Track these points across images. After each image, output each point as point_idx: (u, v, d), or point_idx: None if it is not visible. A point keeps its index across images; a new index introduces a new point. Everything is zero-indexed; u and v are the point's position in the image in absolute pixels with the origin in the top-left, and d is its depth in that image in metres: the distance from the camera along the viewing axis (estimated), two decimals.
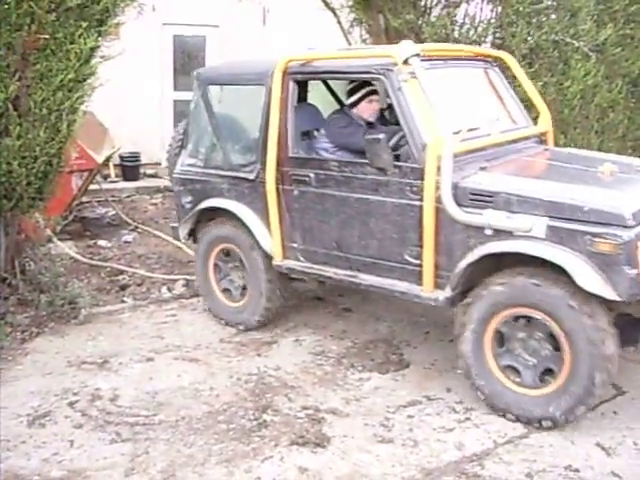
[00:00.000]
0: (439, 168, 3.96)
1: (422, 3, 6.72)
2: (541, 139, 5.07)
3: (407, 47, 4.21)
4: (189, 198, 5.46)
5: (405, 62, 4.17)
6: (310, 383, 4.41)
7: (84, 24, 4.78)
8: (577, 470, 3.47)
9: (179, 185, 5.54)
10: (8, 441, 3.72)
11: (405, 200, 4.22)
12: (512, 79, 5.41)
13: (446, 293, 4.13)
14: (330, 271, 4.71)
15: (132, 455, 3.59)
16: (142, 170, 10.84)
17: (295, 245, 4.89)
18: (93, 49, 4.93)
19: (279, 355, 4.84)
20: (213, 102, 5.27)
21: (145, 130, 10.69)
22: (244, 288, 5.29)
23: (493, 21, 6.73)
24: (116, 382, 4.42)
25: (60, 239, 6.80)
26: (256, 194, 4.97)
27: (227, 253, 5.37)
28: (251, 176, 4.98)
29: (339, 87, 5.68)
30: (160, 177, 10.74)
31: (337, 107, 5.48)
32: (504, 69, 5.38)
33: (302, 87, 5.41)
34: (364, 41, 7.51)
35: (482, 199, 3.93)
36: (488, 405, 4.00)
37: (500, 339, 3.97)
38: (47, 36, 4.64)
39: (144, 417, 3.98)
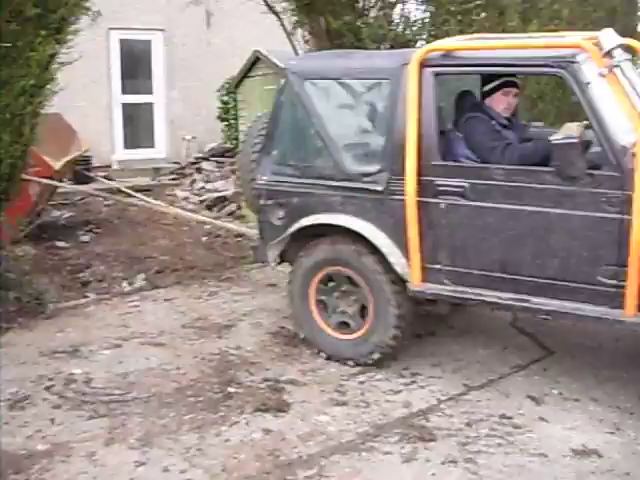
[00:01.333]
0: None
1: (360, 5, 7.14)
2: None
3: (611, 37, 3.72)
4: (281, 214, 4.72)
5: (607, 54, 3.70)
6: (269, 359, 4.77)
7: (43, 32, 5.07)
8: (510, 417, 3.93)
9: (266, 199, 4.80)
10: None
11: (599, 213, 3.72)
12: None
13: None
14: (492, 295, 4.10)
15: (110, 428, 3.91)
16: (93, 173, 11.03)
17: (439, 267, 4.25)
18: (52, 56, 5.22)
19: (239, 336, 5.19)
20: (315, 100, 4.57)
21: (95, 133, 10.88)
22: (361, 316, 4.60)
23: (427, 20, 7.20)
24: (88, 367, 4.71)
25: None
26: (384, 208, 4.32)
27: (328, 279, 4.69)
28: (378, 187, 4.31)
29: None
30: (112, 179, 10.95)
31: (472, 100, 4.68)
32: None
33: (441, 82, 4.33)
34: (307, 42, 7.89)
35: None
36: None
37: None
38: (9, 44, 4.90)
39: (118, 395, 4.29)
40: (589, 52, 3.74)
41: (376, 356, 4.50)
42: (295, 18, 7.71)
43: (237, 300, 5.87)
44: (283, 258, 4.93)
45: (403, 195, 4.19)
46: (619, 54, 3.68)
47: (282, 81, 4.80)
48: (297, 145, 4.73)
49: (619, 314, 3.73)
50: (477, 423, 3.88)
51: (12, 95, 5.04)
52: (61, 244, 7.86)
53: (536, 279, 3.96)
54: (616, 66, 3.66)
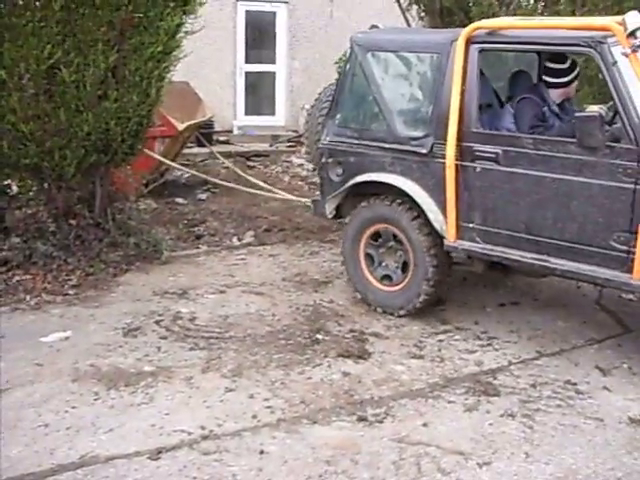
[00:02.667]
0: None
1: None
2: None
3: (635, 18, 3.94)
4: (339, 171, 5.20)
5: (631, 34, 3.93)
6: (358, 313, 5.15)
7: (171, 4, 5.57)
8: (575, 384, 4.14)
9: (328, 157, 5.26)
10: (108, 345, 4.59)
11: (616, 183, 4.02)
12: None
13: None
14: (515, 254, 4.48)
15: (207, 359, 4.41)
16: (215, 137, 11.65)
17: (472, 226, 4.63)
18: (178, 25, 5.72)
19: (334, 292, 5.59)
20: (375, 70, 5.01)
21: (218, 100, 11.48)
22: (403, 271, 5.02)
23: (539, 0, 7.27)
24: (194, 307, 5.24)
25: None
26: (427, 169, 4.73)
27: (377, 235, 5.12)
28: (423, 150, 4.72)
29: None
30: (232, 144, 11.56)
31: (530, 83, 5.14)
32: None
33: (486, 57, 4.78)
34: (421, 19, 8.12)
35: None
36: None
37: None
38: (141, 15, 5.42)
39: (217, 333, 4.79)
40: (616, 33, 3.98)
41: (411, 307, 4.97)
42: None
43: (336, 260, 6.25)
44: (339, 213, 5.42)
45: (444, 158, 4.59)
46: None
47: (348, 52, 5.24)
48: (358, 110, 5.20)
49: (627, 277, 4.05)
50: (541, 385, 4.12)
51: (142, 60, 5.56)
52: (180, 200, 8.50)
53: (556, 241, 4.32)
54: (638, 47, 3.90)
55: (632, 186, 3.97)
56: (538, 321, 5.04)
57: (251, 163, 10.77)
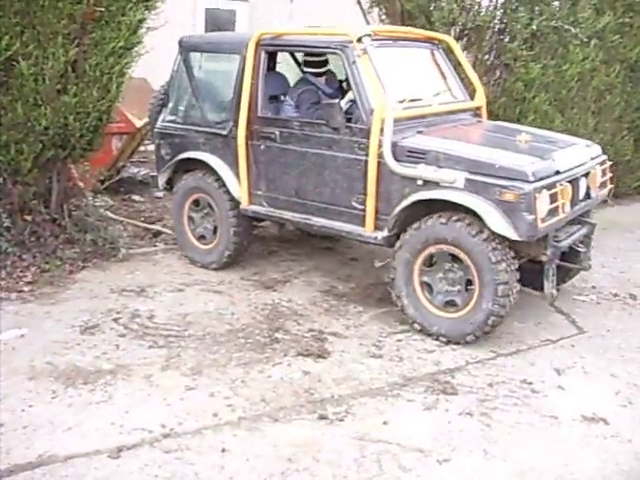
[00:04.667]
0: (382, 130, 4.74)
1: None
2: (476, 113, 5.84)
3: (360, 28, 4.99)
4: (168, 150, 6.18)
5: (359, 40, 4.90)
6: (317, 313, 5.18)
7: None
8: (530, 383, 4.23)
9: (159, 139, 6.26)
10: (66, 342, 4.53)
11: (353, 155, 4.98)
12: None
13: (384, 233, 4.92)
14: (288, 214, 5.50)
15: (167, 357, 4.39)
16: None
17: (260, 192, 5.63)
18: (140, 21, 5.67)
19: (292, 291, 5.61)
20: (194, 67, 5.96)
21: None
22: (214, 232, 5.98)
23: (498, 7, 7.38)
24: (152, 305, 5.21)
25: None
26: (228, 148, 5.68)
27: (197, 203, 6.08)
28: (224, 132, 5.69)
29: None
30: None
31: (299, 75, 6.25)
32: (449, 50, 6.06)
33: (272, 57, 6.18)
34: (382, 21, 8.18)
35: (416, 156, 4.73)
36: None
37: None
38: (102, 9, 5.35)
39: (176, 331, 4.77)
40: (352, 39, 4.95)
41: (222, 262, 6.03)
42: None
43: (294, 260, 6.28)
44: (170, 186, 6.38)
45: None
46: (367, 41, 4.91)
47: (178, 52, 6.13)
48: (182, 100, 6.15)
49: (362, 230, 5.05)
50: (498, 384, 4.20)
51: (102, 55, 5.50)
52: (137, 198, 8.41)
53: (316, 203, 5.32)
54: (364, 50, 4.88)
55: (364, 158, 4.89)
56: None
57: None
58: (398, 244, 4.83)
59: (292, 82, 6.17)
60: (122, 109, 7.44)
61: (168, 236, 7.00)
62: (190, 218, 6.17)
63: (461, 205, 4.51)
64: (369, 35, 4.97)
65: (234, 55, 5.63)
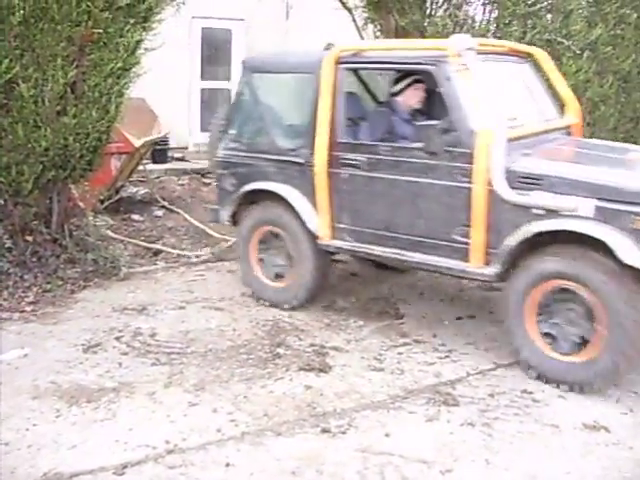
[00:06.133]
0: (489, 153, 4.26)
1: (427, 4, 7.47)
2: (568, 130, 5.36)
3: (462, 40, 4.47)
4: (232, 181, 5.61)
5: (458, 54, 4.45)
6: (318, 328, 5.21)
7: (132, 20, 5.60)
8: (531, 393, 4.25)
9: (222, 168, 5.71)
10: (68, 361, 4.56)
11: (454, 182, 4.48)
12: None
13: (494, 269, 4.43)
14: (378, 249, 4.95)
15: (169, 374, 4.41)
16: (170, 153, 11.63)
17: (343, 226, 5.09)
18: (138, 42, 5.76)
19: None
20: (260, 89, 5.47)
21: (174, 116, 11.44)
22: (287, 269, 5.48)
23: (491, 21, 7.47)
24: (154, 323, 5.24)
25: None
26: (304, 177, 5.15)
27: (267, 238, 5.57)
28: (300, 160, 5.17)
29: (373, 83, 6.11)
30: (187, 160, 11.55)
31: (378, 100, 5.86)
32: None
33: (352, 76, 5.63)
34: (377, 38, 8.27)
35: (531, 182, 4.25)
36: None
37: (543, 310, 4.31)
38: (101, 31, 5.43)
39: (178, 348, 4.80)
40: (449, 53, 4.49)
41: (296, 301, 5.49)
42: (366, 15, 8.09)
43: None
44: (235, 220, 5.77)
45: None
46: (469, 55, 4.44)
47: (241, 74, 5.69)
48: (247, 125, 5.65)
49: (465, 266, 4.55)
50: (499, 395, 4.22)
51: (101, 76, 5.57)
52: (136, 217, 8.45)
53: (409, 236, 4.79)
54: (465, 65, 4.43)
55: (467, 185, 4.41)
56: (494, 333, 5.14)
57: (207, 180, 10.77)
58: (509, 281, 4.40)
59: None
60: (121, 129, 7.51)
61: (168, 254, 7.06)
62: (259, 254, 5.66)
63: (579, 235, 4.05)
64: (471, 49, 4.47)
65: (307, 75, 5.16)
